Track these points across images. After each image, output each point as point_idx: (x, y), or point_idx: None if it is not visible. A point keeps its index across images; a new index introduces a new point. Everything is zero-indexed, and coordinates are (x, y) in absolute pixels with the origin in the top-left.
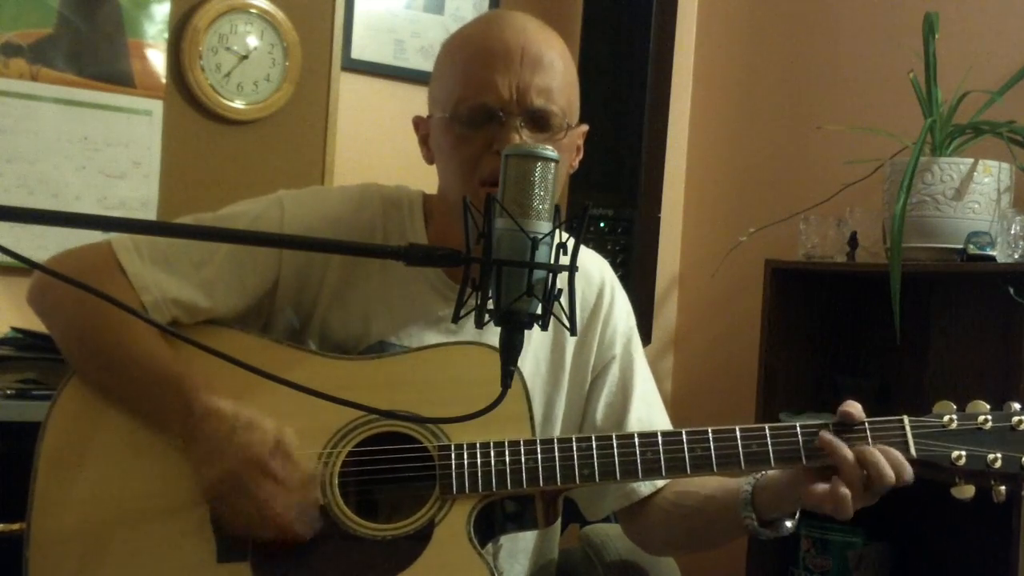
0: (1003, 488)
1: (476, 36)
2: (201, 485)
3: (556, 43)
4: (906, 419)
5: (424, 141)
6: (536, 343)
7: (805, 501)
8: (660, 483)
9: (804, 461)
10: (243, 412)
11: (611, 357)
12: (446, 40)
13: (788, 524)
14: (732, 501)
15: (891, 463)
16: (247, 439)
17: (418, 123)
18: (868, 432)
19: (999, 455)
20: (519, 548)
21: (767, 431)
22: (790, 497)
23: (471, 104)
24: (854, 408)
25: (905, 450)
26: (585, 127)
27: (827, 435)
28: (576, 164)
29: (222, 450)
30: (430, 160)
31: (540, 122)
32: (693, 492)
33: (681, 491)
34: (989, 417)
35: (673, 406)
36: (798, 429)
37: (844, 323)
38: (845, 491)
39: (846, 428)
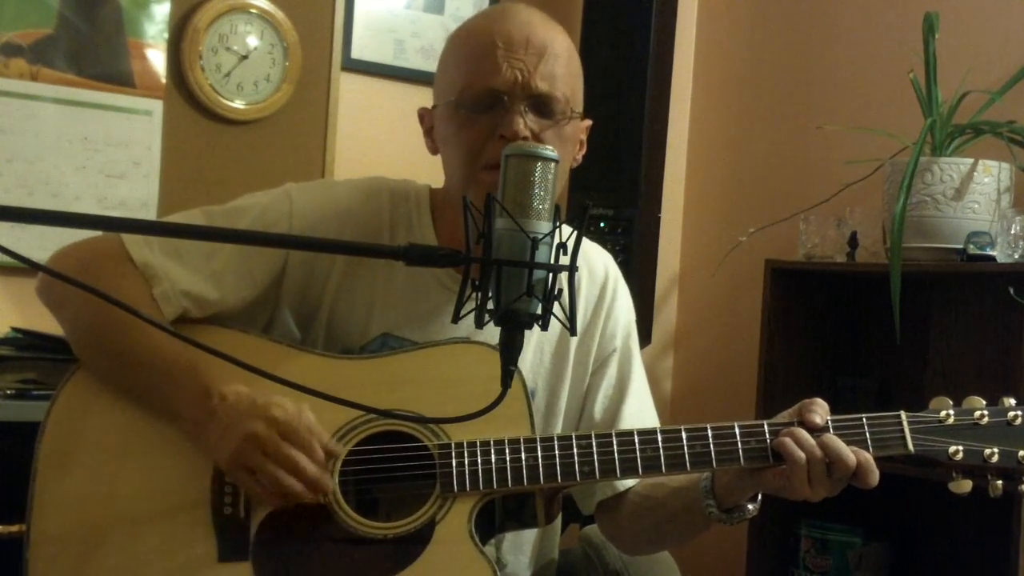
0: (1000, 483)
1: (482, 26)
2: (222, 458)
3: (561, 35)
4: (903, 415)
5: (428, 132)
6: (540, 337)
7: (763, 485)
8: None
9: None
10: (261, 393)
11: (612, 350)
12: (452, 33)
13: (750, 507)
14: (694, 491)
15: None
16: (268, 405)
17: (423, 115)
18: (866, 428)
19: (996, 450)
20: (523, 539)
21: (765, 427)
22: (747, 483)
23: (476, 89)
24: (817, 413)
25: (903, 445)
26: (589, 122)
27: (783, 438)
28: (580, 159)
29: (240, 421)
30: (434, 151)
31: (543, 108)
32: (660, 484)
33: (650, 484)
34: (985, 413)
35: (673, 406)
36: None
37: (844, 323)
38: (803, 480)
39: (843, 425)
